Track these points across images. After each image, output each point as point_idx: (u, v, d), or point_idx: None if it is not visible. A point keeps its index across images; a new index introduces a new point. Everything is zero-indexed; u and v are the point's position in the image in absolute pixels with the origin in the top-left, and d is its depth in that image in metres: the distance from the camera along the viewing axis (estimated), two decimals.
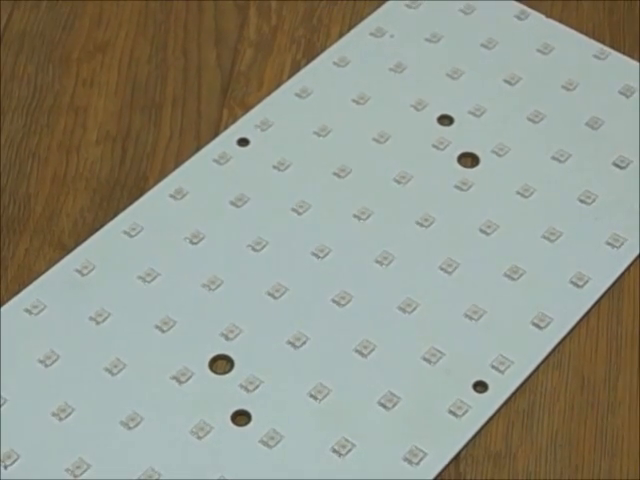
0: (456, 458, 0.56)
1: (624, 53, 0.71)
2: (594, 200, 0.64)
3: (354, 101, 0.69)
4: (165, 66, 0.71)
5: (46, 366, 0.59)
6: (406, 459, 0.55)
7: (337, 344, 0.59)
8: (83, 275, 0.62)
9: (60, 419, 0.57)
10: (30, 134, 0.68)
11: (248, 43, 0.72)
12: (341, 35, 0.72)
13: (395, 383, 0.58)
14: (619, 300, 0.61)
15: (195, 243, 0.63)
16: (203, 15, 0.74)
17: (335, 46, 0.72)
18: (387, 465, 0.55)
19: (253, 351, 0.59)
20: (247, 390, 0.58)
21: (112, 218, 0.64)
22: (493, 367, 0.58)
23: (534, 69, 0.70)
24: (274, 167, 0.66)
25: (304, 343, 0.59)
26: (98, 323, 0.60)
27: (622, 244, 0.63)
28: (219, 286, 0.62)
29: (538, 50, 0.71)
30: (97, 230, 0.64)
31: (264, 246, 0.63)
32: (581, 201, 0.64)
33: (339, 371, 0.58)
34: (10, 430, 0.56)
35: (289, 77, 0.70)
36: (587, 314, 0.60)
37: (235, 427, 0.57)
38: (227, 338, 0.60)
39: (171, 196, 0.65)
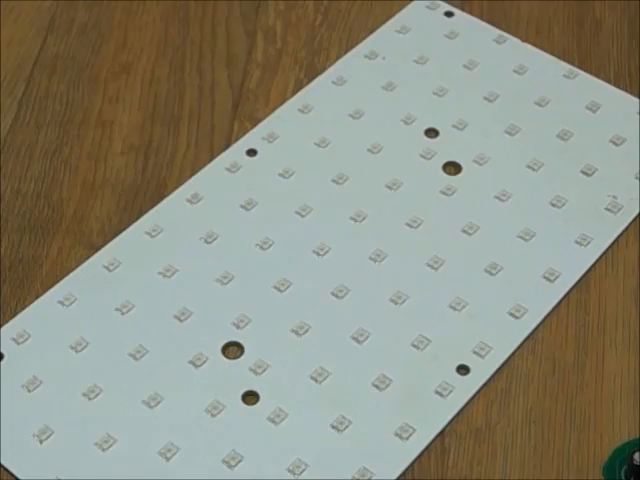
0: (441, 433, 0.56)
1: (591, 73, 0.71)
2: (564, 204, 0.64)
3: (350, 116, 0.69)
4: (182, 85, 0.71)
5: (77, 352, 0.59)
6: (397, 434, 0.55)
7: (335, 332, 0.59)
8: (110, 271, 0.62)
9: (89, 399, 0.57)
10: (62, 145, 0.68)
11: (256, 64, 0.72)
12: (339, 57, 0.72)
13: (387, 367, 0.58)
14: (586, 293, 0.61)
15: (209, 242, 0.63)
16: (216, 40, 0.74)
17: (333, 67, 0.72)
18: (380, 439, 0.55)
19: (261, 338, 0.59)
20: (256, 373, 0.58)
21: (135, 220, 0.64)
22: (474, 352, 0.58)
23: (511, 87, 0.70)
24: (279, 175, 0.66)
25: (306, 331, 0.59)
26: (123, 313, 0.60)
27: (589, 243, 0.63)
28: (230, 280, 0.61)
29: (514, 70, 0.71)
30: (122, 231, 0.64)
31: (270, 245, 0.63)
32: (552, 205, 0.64)
33: (337, 356, 0.58)
34: (45, 408, 0.56)
35: (293, 94, 0.70)
36: (558, 305, 0.60)
37: (245, 406, 0.57)
38: (238, 327, 0.60)
39: (188, 200, 0.65)
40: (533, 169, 0.66)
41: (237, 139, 0.68)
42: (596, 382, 0.58)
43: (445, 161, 0.67)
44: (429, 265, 0.62)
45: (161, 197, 0.65)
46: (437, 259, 0.62)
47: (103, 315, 0.60)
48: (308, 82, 0.71)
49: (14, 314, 0.60)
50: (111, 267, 0.62)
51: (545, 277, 0.61)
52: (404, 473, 0.55)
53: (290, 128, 0.69)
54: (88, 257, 0.63)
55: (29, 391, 0.57)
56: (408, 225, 0.64)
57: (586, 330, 0.60)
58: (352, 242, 0.63)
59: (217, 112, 0.70)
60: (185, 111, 0.70)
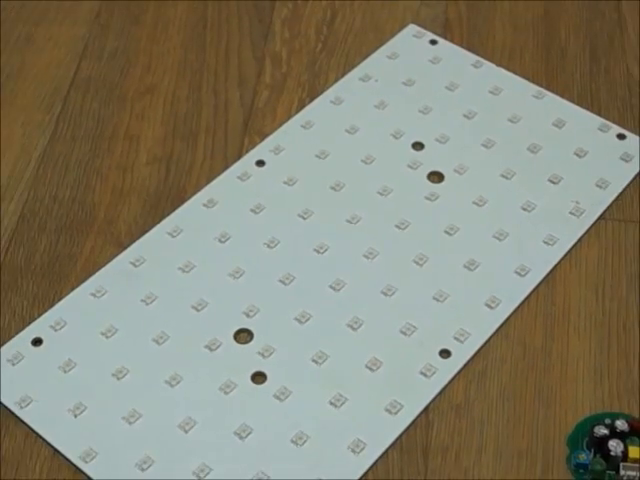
0: (426, 409, 0.56)
1: (557, 94, 0.71)
2: (534, 208, 0.64)
3: (347, 131, 0.69)
4: (200, 103, 0.71)
5: (107, 337, 0.59)
6: (387, 410, 0.55)
7: (333, 320, 0.59)
8: (136, 267, 0.62)
9: (118, 379, 0.57)
10: (95, 157, 0.68)
11: (264, 86, 0.72)
12: (336, 80, 0.72)
13: (379, 350, 0.58)
14: (552, 286, 0.61)
15: (223, 242, 0.63)
16: (229, 64, 0.74)
17: (332, 88, 0.72)
18: (372, 415, 0.55)
19: (268, 326, 0.59)
20: (263, 356, 0.58)
21: (158, 222, 0.64)
22: (455, 338, 0.58)
23: (487, 106, 0.70)
24: (284, 183, 0.66)
25: (308, 319, 0.59)
26: (147, 304, 0.60)
27: (555, 242, 0.63)
28: (242, 275, 0.61)
29: (490, 91, 0.71)
30: (147, 232, 0.64)
31: (277, 244, 0.63)
32: (523, 209, 0.64)
33: (335, 341, 0.58)
34: (79, 387, 0.56)
35: (296, 112, 0.70)
36: (528, 297, 0.60)
37: (254, 385, 0.57)
38: (248, 315, 0.59)
39: (204, 205, 0.65)
40: (506, 178, 0.66)
41: (247, 151, 0.68)
42: (561, 364, 0.58)
43: (429, 171, 0.67)
44: (415, 262, 0.62)
45: (181, 202, 0.65)
46: (423, 256, 0.62)
47: (130, 305, 0.60)
48: (310, 101, 0.71)
49: (52, 304, 0.60)
50: (137, 263, 0.62)
51: (517, 272, 0.61)
52: (393, 444, 0.55)
53: (294, 142, 0.68)
54: (117, 255, 0.63)
55: (65, 372, 0.57)
56: (397, 227, 0.64)
57: (552, 319, 0.60)
58: (348, 241, 0.63)
59: (230, 128, 0.70)
60: (202, 127, 0.70)
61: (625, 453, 0.53)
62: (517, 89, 0.71)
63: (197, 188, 0.66)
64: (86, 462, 0.54)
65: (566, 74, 0.72)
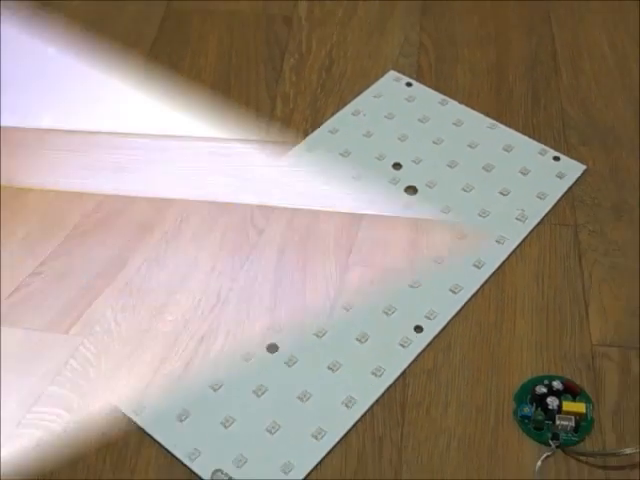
0: (403, 373, 0.56)
1: (506, 125, 0.71)
2: (488, 215, 0.64)
3: (341, 155, 0.69)
4: None
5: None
6: (373, 373, 0.56)
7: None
8: None
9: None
10: None
11: (276, 119, 0.72)
12: (333, 114, 0.72)
13: (366, 327, 0.58)
14: (502, 277, 0.61)
15: None
16: (249, 102, 0.73)
17: (329, 121, 0.71)
18: (362, 377, 0.56)
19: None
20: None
21: None
22: (426, 317, 0.59)
23: (451, 135, 0.70)
24: None
25: None
26: None
27: (505, 242, 0.63)
28: None
29: (453, 123, 0.71)
30: None
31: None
32: (479, 215, 0.64)
33: (332, 320, 0.58)
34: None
35: (301, 140, 0.70)
36: (483, 285, 0.61)
37: (269, 354, 0.57)
38: None
39: None
40: (466, 191, 0.66)
41: None
42: (509, 339, 0.58)
43: (406, 185, 0.67)
44: None
45: None
46: None
47: None
48: (312, 131, 0.71)
49: None
50: None
51: (474, 265, 0.61)
52: (377, 400, 0.55)
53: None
54: None
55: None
56: None
57: (502, 303, 0.60)
58: None
59: None
60: None
61: (560, 407, 0.53)
62: (475, 121, 0.71)
63: None
64: (137, 414, 0.54)
65: (513, 110, 0.72)
